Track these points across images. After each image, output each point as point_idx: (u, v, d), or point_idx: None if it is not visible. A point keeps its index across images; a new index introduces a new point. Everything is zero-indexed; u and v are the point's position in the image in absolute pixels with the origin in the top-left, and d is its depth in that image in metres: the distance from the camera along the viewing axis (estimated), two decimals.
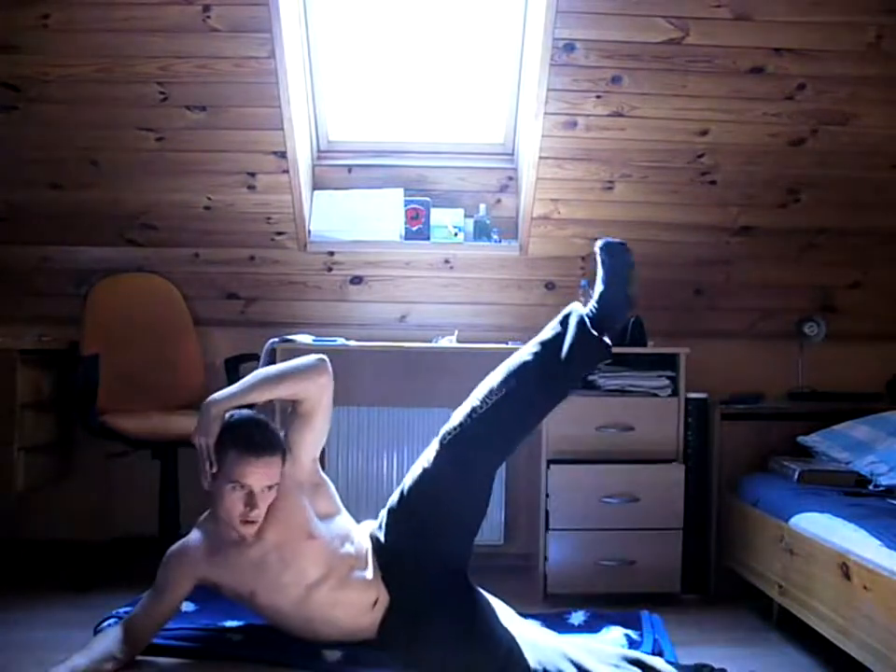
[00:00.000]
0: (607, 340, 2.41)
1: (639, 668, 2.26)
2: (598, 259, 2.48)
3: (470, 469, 2.38)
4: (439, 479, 2.37)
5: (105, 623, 2.53)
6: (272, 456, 2.29)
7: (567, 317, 2.44)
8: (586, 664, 2.22)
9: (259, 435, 2.30)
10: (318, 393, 2.42)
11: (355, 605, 2.36)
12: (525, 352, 2.44)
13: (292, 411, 2.46)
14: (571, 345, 2.38)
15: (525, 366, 2.40)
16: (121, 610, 2.58)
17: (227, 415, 2.35)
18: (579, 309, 2.44)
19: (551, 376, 2.41)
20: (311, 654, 2.36)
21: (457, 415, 2.40)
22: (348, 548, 2.41)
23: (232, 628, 2.56)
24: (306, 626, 2.37)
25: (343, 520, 2.49)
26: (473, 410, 2.37)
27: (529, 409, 2.44)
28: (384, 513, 2.51)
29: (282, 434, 2.42)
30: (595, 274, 2.49)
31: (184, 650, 2.43)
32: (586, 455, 3.24)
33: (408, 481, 2.44)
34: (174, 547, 2.41)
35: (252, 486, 2.27)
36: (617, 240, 2.48)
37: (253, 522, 2.29)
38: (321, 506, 2.44)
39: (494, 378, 2.41)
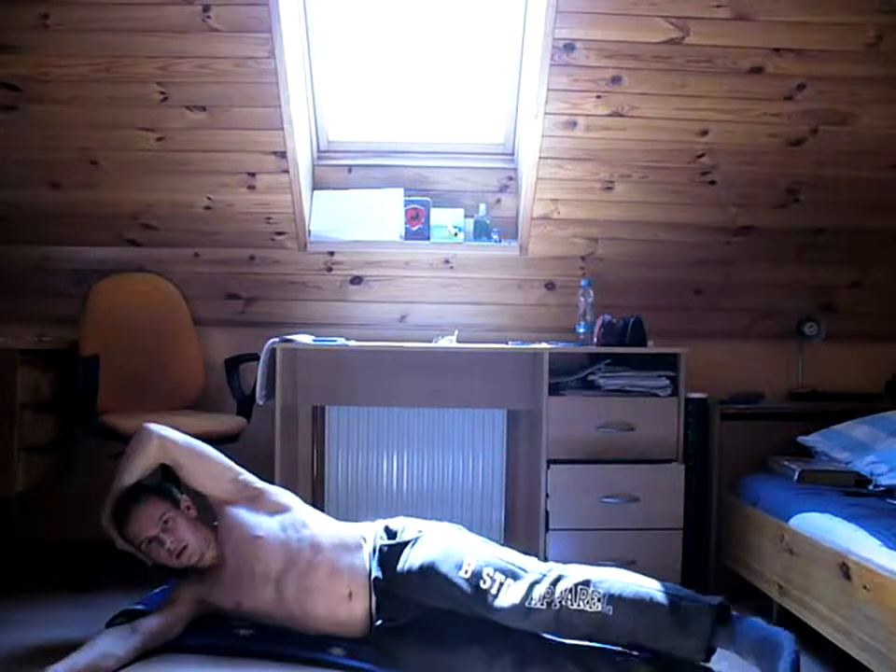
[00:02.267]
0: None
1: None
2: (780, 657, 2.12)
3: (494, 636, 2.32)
4: (458, 611, 2.34)
5: (117, 620, 2.54)
6: (140, 505, 2.48)
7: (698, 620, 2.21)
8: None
9: (122, 502, 2.50)
10: (161, 451, 2.57)
11: (326, 592, 2.43)
12: (649, 597, 2.24)
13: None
14: (682, 639, 2.20)
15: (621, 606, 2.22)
16: (136, 606, 2.59)
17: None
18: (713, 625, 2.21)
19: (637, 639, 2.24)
20: (316, 650, 2.39)
21: (513, 592, 2.27)
22: (304, 533, 2.51)
23: (240, 623, 2.57)
24: (292, 624, 2.45)
25: (297, 513, 2.59)
26: (557, 600, 2.23)
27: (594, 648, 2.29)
28: (404, 537, 2.49)
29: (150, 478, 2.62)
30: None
31: (191, 644, 2.45)
32: (586, 454, 3.24)
33: (444, 564, 2.35)
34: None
35: (149, 534, 2.46)
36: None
37: (181, 552, 2.46)
38: (266, 509, 2.58)
39: (599, 589, 2.24)
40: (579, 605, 2.22)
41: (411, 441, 3.70)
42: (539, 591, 2.25)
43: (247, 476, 2.65)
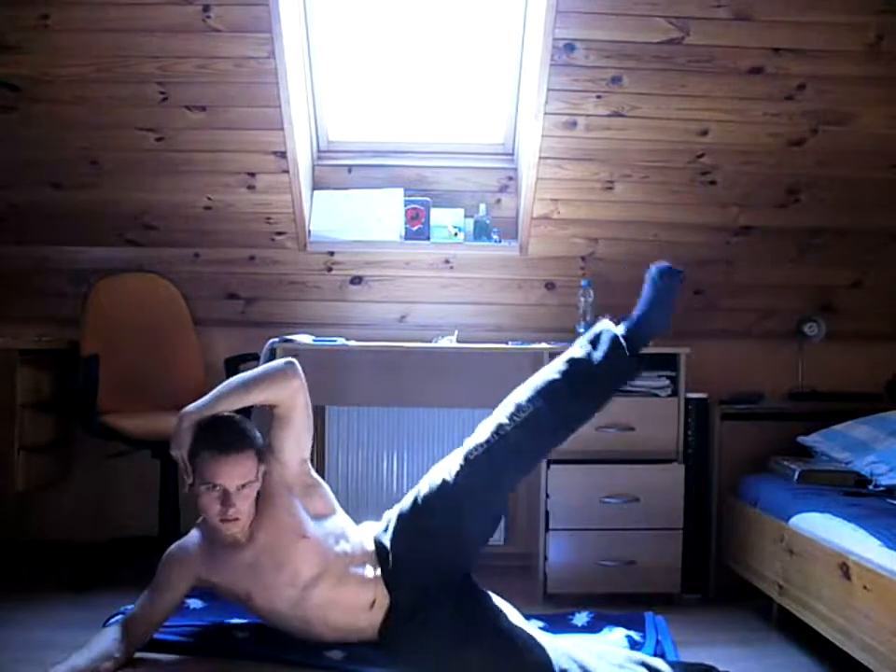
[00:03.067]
0: (639, 360, 2.38)
1: (645, 669, 2.25)
2: (651, 278, 2.41)
3: (493, 487, 2.37)
4: (460, 495, 2.33)
5: (112, 621, 2.53)
6: (240, 453, 2.28)
7: (598, 336, 2.39)
8: (590, 665, 2.22)
9: (228, 434, 2.30)
10: (291, 397, 2.40)
11: (351, 605, 2.36)
12: (554, 369, 2.39)
13: (270, 414, 2.45)
14: (603, 365, 2.35)
15: (553, 384, 2.36)
16: (129, 608, 2.59)
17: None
18: (611, 327, 2.40)
19: (579, 396, 2.38)
20: (314, 653, 2.37)
21: (483, 431, 2.36)
22: (343, 546, 2.41)
23: (238, 625, 2.56)
24: (303, 628, 2.37)
25: (339, 519, 2.49)
26: (500, 427, 2.34)
27: (556, 428, 2.40)
28: (391, 516, 2.49)
29: (260, 436, 2.40)
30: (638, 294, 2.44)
31: (188, 646, 2.44)
32: (586, 454, 3.23)
33: (424, 489, 2.40)
34: (173, 546, 2.43)
35: (224, 485, 2.27)
36: (678, 269, 2.40)
37: (233, 520, 2.29)
38: (315, 506, 2.44)
39: (521, 395, 2.37)
40: (514, 421, 2.33)
41: (411, 440, 3.70)
42: (481, 437, 2.35)
43: (309, 463, 2.50)
